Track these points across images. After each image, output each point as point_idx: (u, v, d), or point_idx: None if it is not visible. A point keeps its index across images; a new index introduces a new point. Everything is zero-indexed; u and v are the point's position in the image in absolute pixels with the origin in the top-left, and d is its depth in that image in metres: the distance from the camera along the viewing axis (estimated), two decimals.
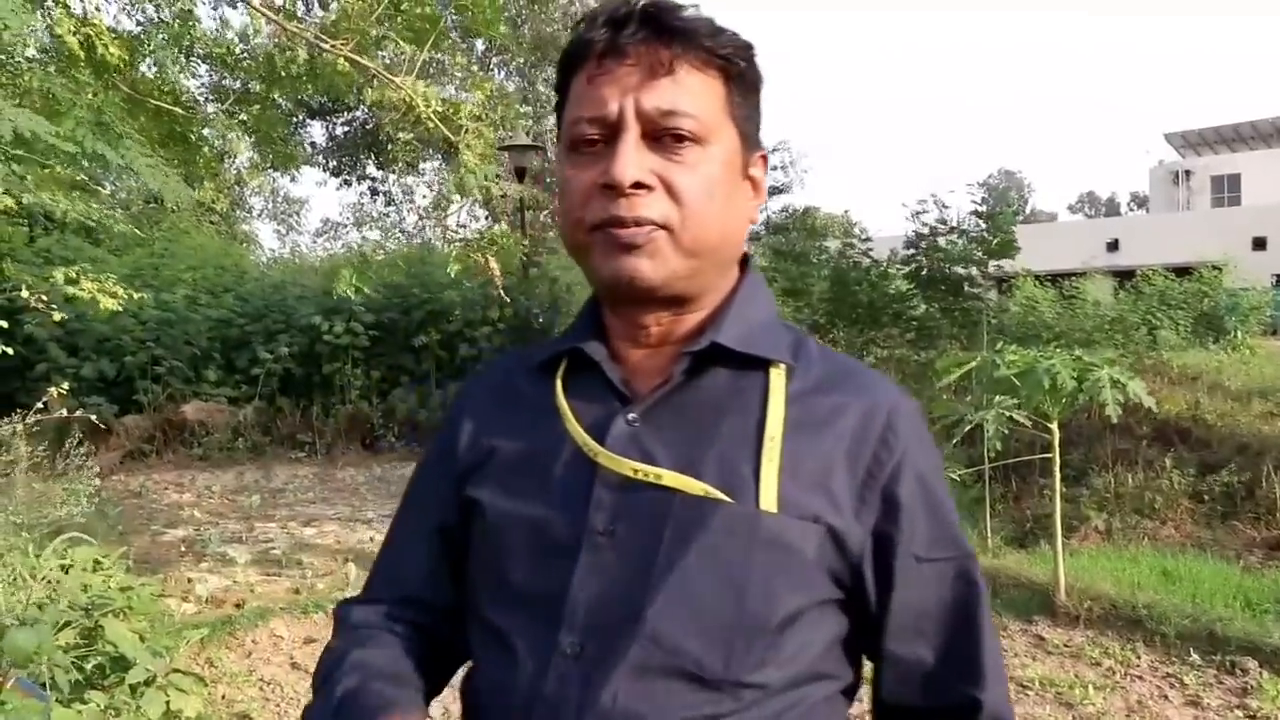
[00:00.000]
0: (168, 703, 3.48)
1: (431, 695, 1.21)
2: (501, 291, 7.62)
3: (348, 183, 30.68)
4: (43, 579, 4.76)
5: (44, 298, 3.34)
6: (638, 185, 1.04)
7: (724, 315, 1.14)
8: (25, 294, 3.26)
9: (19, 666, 2.73)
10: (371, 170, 30.47)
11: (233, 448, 12.32)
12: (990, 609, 1.16)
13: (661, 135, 1.05)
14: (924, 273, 11.35)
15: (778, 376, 1.12)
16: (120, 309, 3.45)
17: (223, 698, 4.88)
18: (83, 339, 12.44)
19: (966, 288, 11.08)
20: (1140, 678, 4.95)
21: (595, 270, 1.11)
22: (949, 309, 11.24)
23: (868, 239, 13.23)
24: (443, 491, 1.25)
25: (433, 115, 4.74)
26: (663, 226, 1.05)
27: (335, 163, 29.53)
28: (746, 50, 1.12)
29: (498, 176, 5.63)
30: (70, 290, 3.35)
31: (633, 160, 1.04)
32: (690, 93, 1.06)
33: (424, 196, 31.04)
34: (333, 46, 4.23)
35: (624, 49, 1.06)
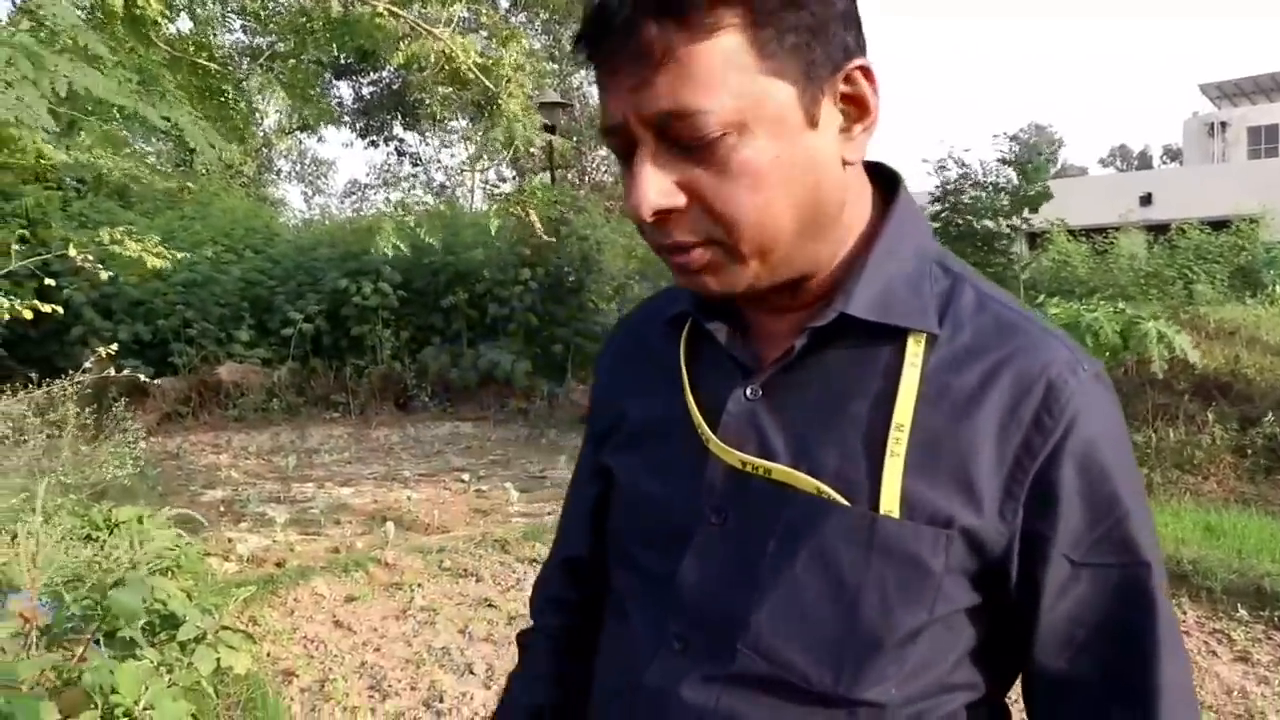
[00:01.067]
0: (218, 660, 3.49)
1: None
2: (543, 236, 7.56)
3: (374, 144, 30.66)
4: (91, 538, 4.80)
5: (90, 258, 3.33)
6: (662, 212, 0.88)
7: (858, 274, 0.96)
8: (73, 253, 3.25)
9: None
10: (398, 131, 30.43)
11: (267, 409, 12.39)
12: (1177, 631, 0.95)
13: (678, 139, 0.85)
14: (950, 228, 11.24)
15: (915, 347, 0.94)
16: (166, 267, 3.43)
17: (267, 655, 4.92)
18: (116, 303, 12.51)
19: (996, 244, 10.98)
20: (1187, 634, 4.91)
21: None
22: (978, 265, 11.13)
23: None
24: (589, 456, 1.24)
25: (473, 66, 4.68)
26: (711, 243, 0.90)
27: (362, 124, 29.50)
28: None
29: (542, 127, 5.58)
30: (115, 250, 3.36)
31: (650, 185, 0.87)
32: (697, 78, 0.82)
33: (452, 155, 30.96)
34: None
35: (609, 31, 0.86)
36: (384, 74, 26.71)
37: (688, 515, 1.00)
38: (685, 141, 0.85)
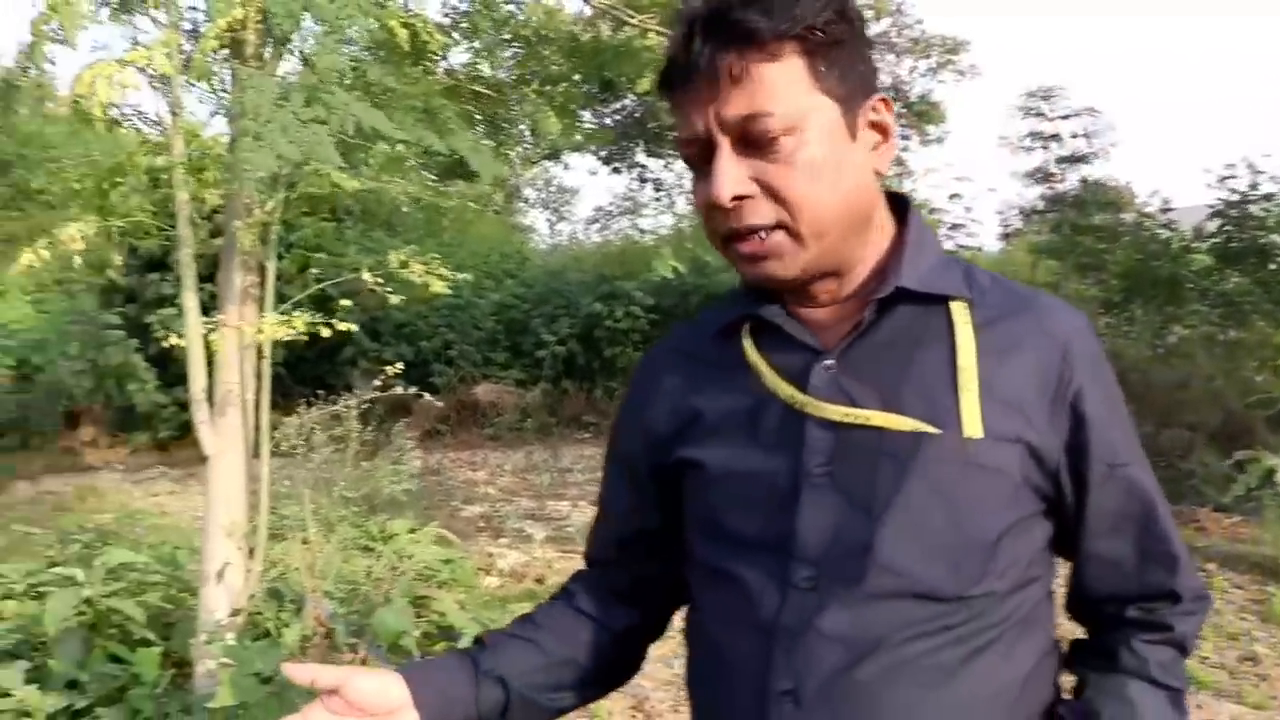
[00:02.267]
0: None
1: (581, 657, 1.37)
2: None
3: (617, 170, 31.21)
4: (367, 549, 5.02)
5: (379, 280, 3.49)
6: (739, 198, 1.09)
7: (898, 261, 1.17)
8: (366, 276, 3.41)
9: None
10: (640, 158, 30.87)
11: (521, 428, 12.77)
12: (1162, 496, 1.24)
13: (751, 139, 1.08)
14: (1232, 244, 10.48)
15: (960, 310, 1.16)
16: (449, 292, 3.56)
17: None
18: (383, 325, 13.17)
19: None
20: None
21: (741, 275, 1.19)
22: (1264, 282, 10.31)
23: (1169, 208, 12.30)
24: (632, 474, 1.37)
25: None
26: (776, 226, 1.10)
27: (606, 151, 30.08)
28: (820, 13, 1.08)
29: None
30: (403, 273, 3.50)
31: (729, 175, 1.09)
32: (766, 89, 1.07)
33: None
34: (640, 22, 4.24)
35: (695, 66, 1.09)
36: (627, 102, 27.20)
37: (792, 477, 1.14)
38: (756, 139, 1.08)
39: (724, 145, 1.09)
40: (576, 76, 4.63)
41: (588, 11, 4.93)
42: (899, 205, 1.26)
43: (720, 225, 1.13)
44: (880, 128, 1.16)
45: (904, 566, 1.09)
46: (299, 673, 1.23)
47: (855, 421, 1.12)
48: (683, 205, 33.88)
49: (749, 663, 1.16)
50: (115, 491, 11.17)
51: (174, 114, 3.47)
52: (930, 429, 1.10)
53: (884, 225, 1.22)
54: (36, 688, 3.39)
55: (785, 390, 1.17)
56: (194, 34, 3.58)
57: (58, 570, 4.02)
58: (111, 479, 12.31)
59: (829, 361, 1.16)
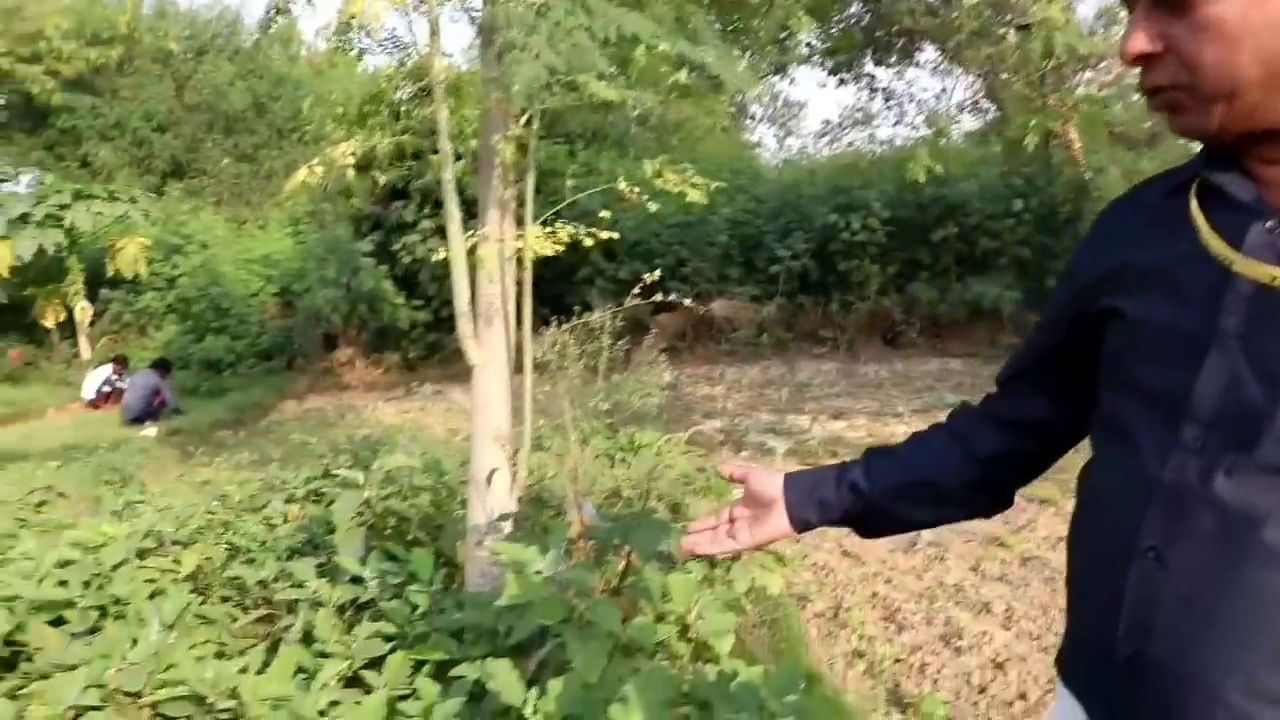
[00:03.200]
0: (753, 579, 3.60)
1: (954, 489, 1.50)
2: (1082, 165, 7.26)
3: (844, 82, 30.39)
4: (618, 459, 5.13)
5: (636, 190, 3.50)
6: (1142, 56, 1.10)
7: None
8: (622, 185, 3.44)
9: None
10: (869, 68, 29.95)
11: (757, 343, 12.77)
12: None
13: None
14: None
15: None
16: (704, 200, 3.54)
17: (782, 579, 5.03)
18: (618, 244, 13.34)
19: None
20: None
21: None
22: None
23: None
24: (1056, 315, 1.40)
25: None
26: (1177, 88, 1.09)
27: (833, 63, 29.31)
28: None
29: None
30: (658, 183, 3.50)
31: (1135, 33, 1.09)
32: None
33: (924, 89, 30.10)
34: None
35: None
36: (853, 10, 26.39)
37: (1204, 333, 1.11)
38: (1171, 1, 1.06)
39: (1141, 4, 1.10)
40: None
41: None
42: None
43: (1140, 79, 1.14)
44: None
45: None
46: (727, 468, 1.63)
47: None
48: (914, 114, 32.81)
49: (1123, 516, 1.18)
50: (372, 408, 11.79)
51: (433, 33, 3.55)
52: None
53: None
54: (326, 581, 3.63)
55: (1216, 246, 1.13)
56: None
57: (341, 473, 4.26)
58: (368, 397, 12.99)
59: (1270, 223, 1.10)
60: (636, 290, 3.80)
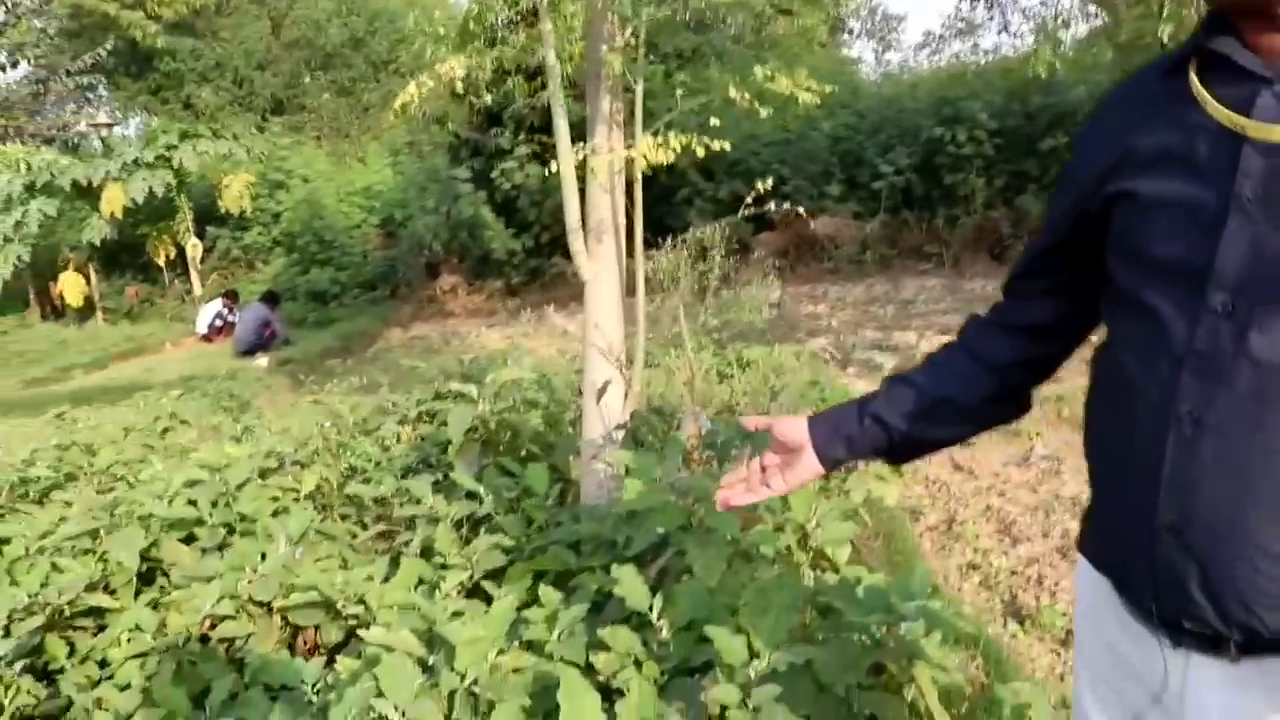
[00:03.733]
0: (868, 490, 3.57)
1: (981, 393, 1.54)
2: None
3: None
4: (726, 375, 5.11)
5: (746, 95, 3.44)
6: None
7: None
8: (733, 93, 3.39)
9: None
10: None
11: (860, 261, 12.58)
12: None
13: None
14: None
15: None
16: (817, 102, 3.46)
17: (898, 490, 4.98)
18: (715, 164, 13.20)
19: None
20: None
21: None
22: None
23: None
24: (1058, 214, 1.42)
25: None
26: None
27: None
28: None
29: None
30: (770, 86, 3.43)
31: None
32: None
33: None
34: None
35: None
36: None
37: (1221, 202, 1.13)
38: None
39: None
40: None
41: None
42: None
43: None
44: None
45: None
46: (750, 422, 1.71)
47: None
48: (1018, 22, 31.81)
49: (1155, 387, 1.20)
50: (476, 334, 11.92)
51: None
52: None
53: None
54: (442, 497, 3.68)
55: (1225, 114, 1.14)
56: None
57: (453, 386, 4.30)
58: (471, 324, 13.13)
59: (1279, 88, 1.12)
60: (749, 199, 3.74)
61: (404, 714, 2.07)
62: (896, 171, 13.17)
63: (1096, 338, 1.43)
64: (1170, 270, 1.19)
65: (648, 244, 5.42)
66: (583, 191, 3.67)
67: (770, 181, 3.77)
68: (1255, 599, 1.14)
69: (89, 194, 15.36)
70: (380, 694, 2.13)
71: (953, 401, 1.54)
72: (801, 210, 3.87)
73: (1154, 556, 1.22)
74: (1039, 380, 1.57)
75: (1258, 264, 1.10)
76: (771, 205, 3.69)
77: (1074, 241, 1.40)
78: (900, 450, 1.60)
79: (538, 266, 14.70)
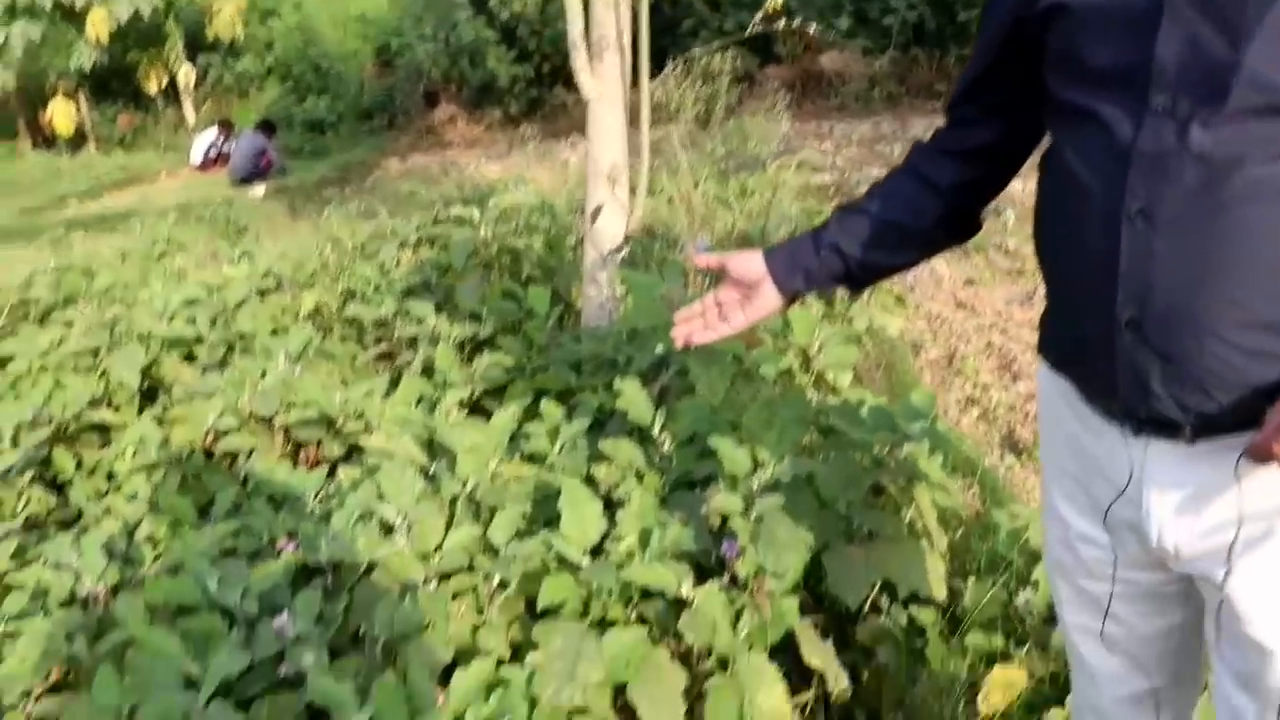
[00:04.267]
0: (871, 319, 3.55)
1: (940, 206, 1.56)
2: None
3: None
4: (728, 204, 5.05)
5: None
6: None
7: None
8: None
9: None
10: None
11: (868, 98, 12.32)
12: None
13: None
14: None
15: None
16: None
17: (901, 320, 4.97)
18: None
19: None
20: None
21: None
22: None
23: None
24: (993, 34, 1.43)
25: None
26: None
27: None
28: None
29: None
30: None
31: None
32: None
33: None
34: None
35: None
36: None
37: (1153, 3, 1.14)
38: None
39: None
40: None
41: None
42: None
43: None
44: None
45: (1272, 81, 1.07)
46: (702, 260, 1.69)
47: None
48: None
49: (1104, 189, 1.22)
50: (475, 165, 11.77)
51: None
52: None
53: None
54: (445, 316, 3.67)
55: None
56: None
57: (455, 210, 4.25)
58: (470, 154, 12.95)
59: None
60: (757, 18, 3.62)
61: (405, 517, 2.09)
62: (909, 6, 12.77)
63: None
64: (1110, 76, 1.22)
65: (652, 74, 5.30)
66: (587, 10, 3.55)
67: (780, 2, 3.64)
68: (1212, 384, 1.19)
69: (74, 17, 14.90)
70: (382, 498, 2.14)
71: (904, 226, 1.58)
72: (811, 29, 3.74)
73: (1114, 352, 1.26)
74: (986, 201, 1.61)
75: (1194, 61, 1.13)
76: (781, 23, 3.57)
77: (1008, 62, 1.42)
78: (857, 278, 1.64)
79: (538, 96, 14.43)
